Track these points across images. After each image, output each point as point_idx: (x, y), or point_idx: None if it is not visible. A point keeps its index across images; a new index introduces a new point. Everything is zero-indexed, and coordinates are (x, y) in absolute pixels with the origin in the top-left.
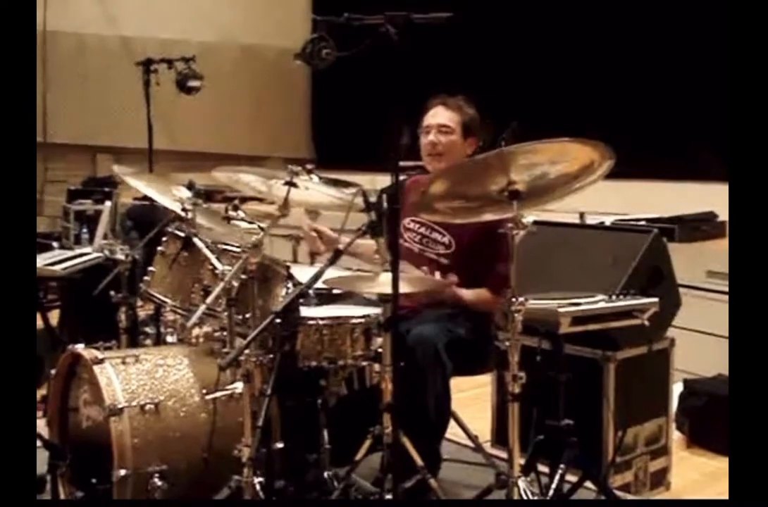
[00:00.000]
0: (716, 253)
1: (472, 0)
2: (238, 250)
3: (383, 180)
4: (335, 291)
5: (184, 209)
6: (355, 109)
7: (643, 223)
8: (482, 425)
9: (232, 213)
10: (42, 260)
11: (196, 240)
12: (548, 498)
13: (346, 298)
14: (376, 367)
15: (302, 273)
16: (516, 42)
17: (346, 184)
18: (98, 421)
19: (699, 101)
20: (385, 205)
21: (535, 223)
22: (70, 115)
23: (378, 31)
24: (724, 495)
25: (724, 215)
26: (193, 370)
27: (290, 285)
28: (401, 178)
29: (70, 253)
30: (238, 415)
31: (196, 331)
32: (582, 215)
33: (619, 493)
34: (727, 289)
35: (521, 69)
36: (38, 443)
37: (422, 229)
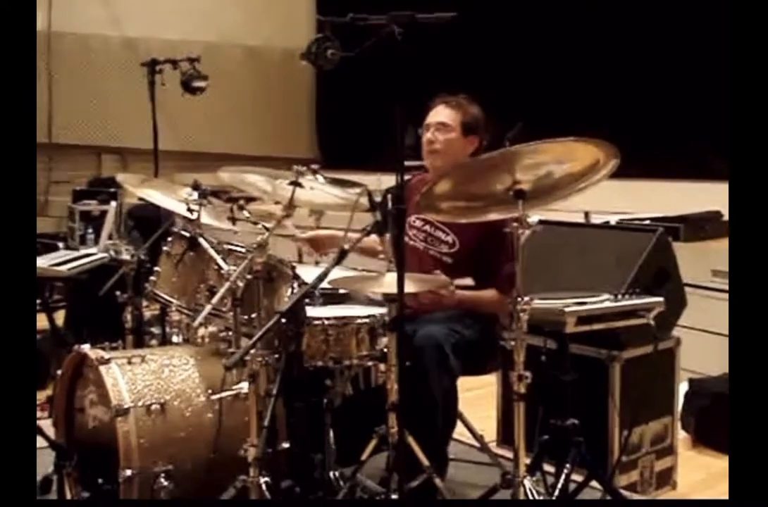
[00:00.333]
0: (721, 252)
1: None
2: (243, 250)
3: (388, 180)
4: (341, 291)
5: (189, 209)
6: (359, 109)
7: (648, 222)
8: (488, 425)
9: (237, 213)
10: (47, 260)
11: (201, 240)
12: (554, 497)
13: (352, 297)
14: (382, 367)
15: (308, 273)
16: (521, 41)
17: (351, 184)
18: (104, 421)
19: (704, 100)
20: (390, 205)
21: (540, 222)
22: (75, 116)
23: (382, 31)
24: None
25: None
26: (198, 370)
27: (296, 285)
28: (406, 177)
29: (75, 254)
30: (244, 415)
31: (201, 331)
32: (587, 214)
33: (624, 493)
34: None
35: (526, 68)
36: (45, 444)
37: (427, 227)
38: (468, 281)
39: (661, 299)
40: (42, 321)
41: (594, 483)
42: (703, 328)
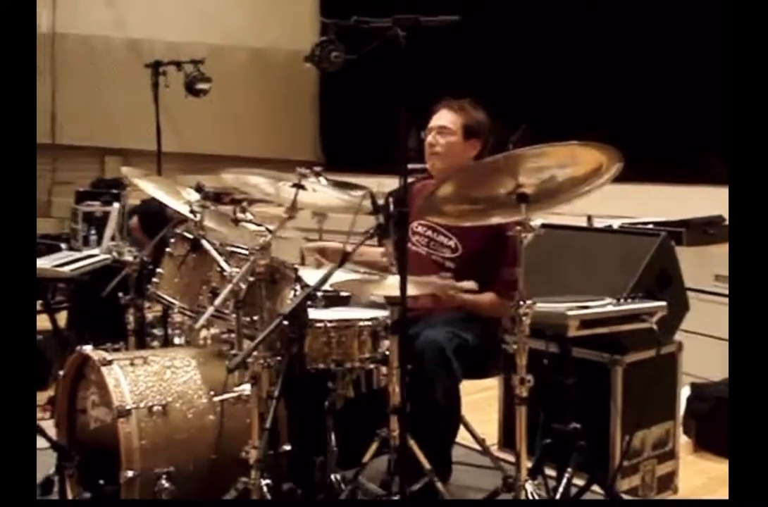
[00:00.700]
0: (724, 256)
1: (480, 3)
2: (246, 252)
3: (391, 183)
4: (343, 293)
5: (192, 211)
6: (363, 112)
7: (651, 226)
8: (489, 428)
9: (240, 215)
10: (50, 261)
11: (204, 242)
12: None
13: (354, 300)
14: (384, 369)
15: (310, 275)
16: (525, 45)
17: (354, 187)
18: (106, 422)
19: (707, 105)
20: (392, 207)
21: (543, 226)
22: (79, 117)
23: (386, 34)
24: None
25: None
26: (200, 372)
27: (298, 287)
28: (409, 180)
29: (78, 255)
30: (246, 417)
31: (203, 333)
32: (590, 218)
33: (626, 497)
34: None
35: (530, 72)
36: (46, 444)
37: (429, 232)
38: (471, 285)
39: (663, 303)
40: (44, 322)
41: (595, 487)
42: (706, 332)
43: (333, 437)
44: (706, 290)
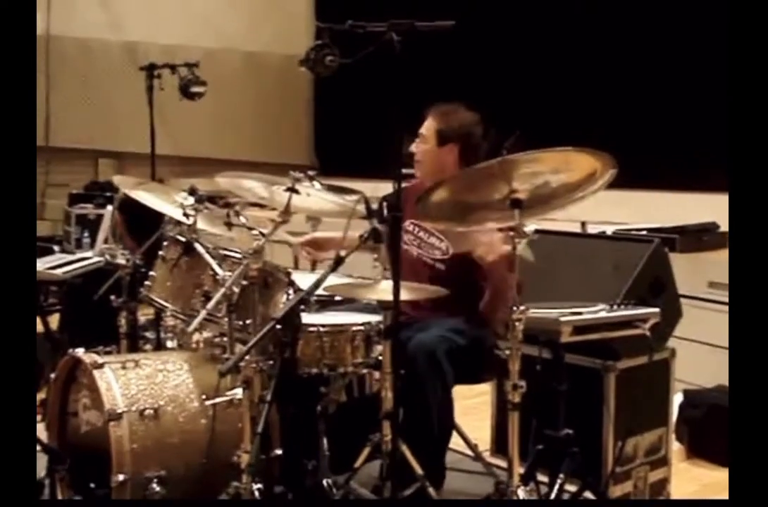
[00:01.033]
0: (718, 263)
1: (475, 8)
2: (239, 255)
3: (385, 187)
4: (336, 298)
5: (185, 214)
6: (357, 117)
7: (644, 233)
8: (482, 434)
9: (233, 219)
10: (43, 264)
11: (197, 245)
12: None
13: (347, 304)
14: (376, 374)
15: (303, 279)
16: (520, 51)
17: (348, 191)
18: (97, 425)
19: (701, 111)
20: (386, 212)
21: (537, 231)
22: (73, 120)
23: (381, 39)
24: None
25: (725, 226)
26: (193, 375)
27: (291, 291)
28: (404, 186)
29: (71, 257)
30: (238, 421)
31: (196, 337)
32: (583, 224)
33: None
34: (728, 299)
35: (525, 78)
36: (37, 447)
37: (421, 233)
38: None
39: (656, 310)
40: (36, 324)
41: (588, 493)
42: (699, 339)
43: (325, 442)
44: (699, 297)
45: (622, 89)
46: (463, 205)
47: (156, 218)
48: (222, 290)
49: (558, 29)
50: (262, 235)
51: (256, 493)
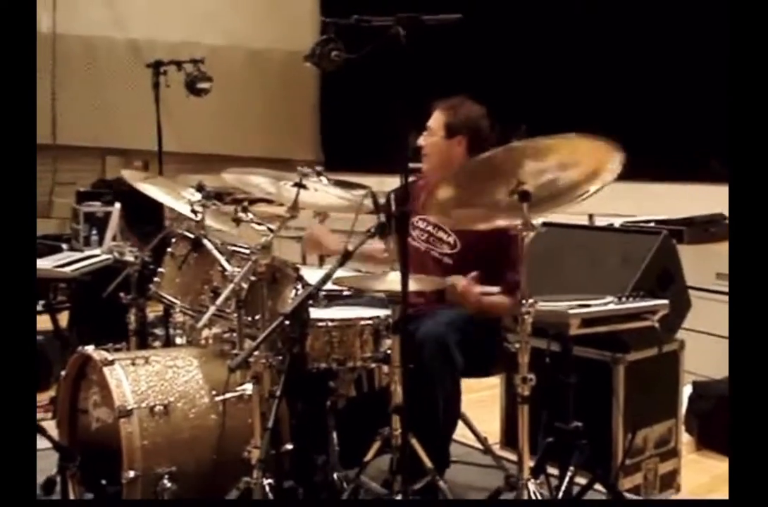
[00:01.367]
0: (725, 254)
1: (481, 2)
2: (247, 251)
3: (392, 182)
4: (344, 292)
5: (193, 211)
6: (363, 111)
7: (652, 224)
8: (491, 427)
9: (241, 214)
10: (51, 262)
11: (205, 241)
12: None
13: (355, 299)
14: (386, 368)
15: (311, 274)
16: (525, 45)
17: (355, 186)
18: (108, 422)
19: (708, 103)
20: (393, 206)
21: (544, 224)
22: (80, 118)
23: (387, 33)
24: None
25: None
26: (202, 371)
27: (299, 286)
28: (411, 179)
29: (79, 255)
30: (248, 417)
31: (205, 333)
32: (591, 217)
33: (628, 496)
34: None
35: (531, 72)
36: (48, 445)
37: (429, 228)
38: (495, 289)
39: (665, 302)
40: (46, 322)
41: (598, 486)
42: (707, 330)
43: (335, 436)
44: (707, 288)
45: (628, 82)
46: (472, 203)
47: (155, 210)
48: (230, 286)
49: (563, 23)
50: (270, 230)
51: (267, 489)
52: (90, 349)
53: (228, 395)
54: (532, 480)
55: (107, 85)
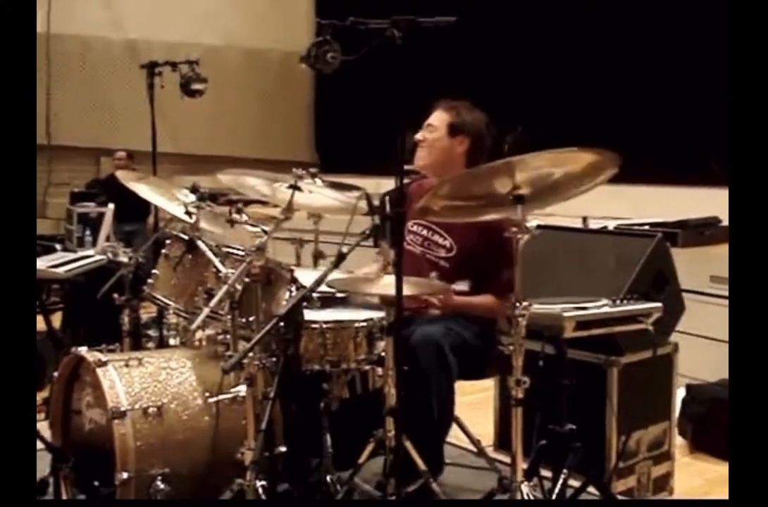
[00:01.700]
0: (720, 258)
1: (477, 4)
2: (241, 253)
3: (387, 184)
4: (338, 294)
5: (187, 212)
6: (358, 113)
7: (646, 227)
8: (485, 429)
9: (235, 216)
10: (45, 262)
11: (199, 243)
12: None
13: (349, 301)
14: (379, 370)
15: (306, 276)
16: (521, 46)
17: (350, 188)
18: (101, 423)
19: (703, 106)
20: (388, 208)
21: (539, 227)
22: (74, 118)
23: (383, 35)
24: None
25: (727, 220)
26: (196, 373)
27: (294, 288)
28: (405, 181)
29: (73, 256)
30: (241, 419)
31: (199, 334)
32: (585, 219)
33: (621, 498)
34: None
35: (526, 73)
36: (41, 446)
37: (424, 232)
38: (464, 286)
39: (659, 305)
40: (39, 322)
41: (591, 488)
42: (701, 333)
43: (328, 438)
44: (701, 291)
45: (624, 84)
46: (466, 197)
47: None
48: (225, 288)
49: (559, 26)
50: (265, 232)
51: (260, 490)
52: (83, 350)
53: (221, 397)
54: (526, 482)
55: (103, 86)
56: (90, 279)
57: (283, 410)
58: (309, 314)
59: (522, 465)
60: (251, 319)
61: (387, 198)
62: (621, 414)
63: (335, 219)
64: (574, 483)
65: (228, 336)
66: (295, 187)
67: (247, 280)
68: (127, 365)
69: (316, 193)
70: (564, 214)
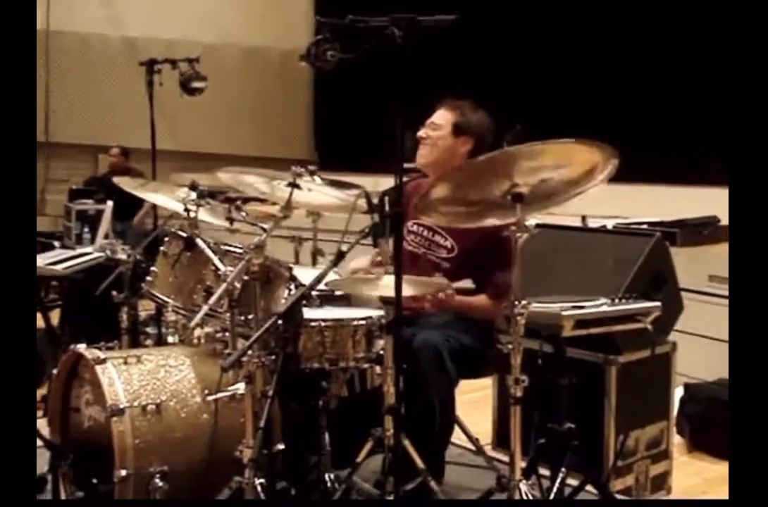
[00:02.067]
0: (718, 257)
1: (476, 3)
2: (240, 251)
3: (386, 182)
4: (337, 292)
5: (186, 209)
6: (357, 111)
7: (645, 226)
8: (483, 428)
9: (234, 214)
10: (43, 259)
11: (198, 240)
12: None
13: (348, 299)
14: (378, 369)
15: (304, 274)
16: (520, 45)
17: (349, 186)
18: (100, 421)
19: (703, 105)
20: (387, 206)
21: (538, 226)
22: (73, 115)
23: (382, 33)
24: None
25: (726, 219)
26: (195, 370)
27: (292, 286)
28: (404, 180)
29: (71, 253)
30: (240, 416)
31: (197, 332)
32: (584, 218)
33: (619, 497)
34: (728, 293)
35: (525, 72)
36: (39, 443)
37: (425, 232)
38: (468, 284)
39: (658, 304)
40: (37, 320)
41: (589, 487)
42: (700, 333)
43: (327, 437)
44: (700, 291)
45: (623, 83)
46: (465, 201)
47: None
48: (224, 285)
49: (559, 23)
50: (264, 230)
51: (259, 488)
52: (82, 347)
53: (220, 395)
54: (524, 481)
55: (102, 83)
56: (88, 276)
57: (282, 408)
58: (308, 312)
59: (520, 463)
60: (250, 316)
61: (386, 196)
62: (619, 413)
63: (334, 217)
64: (573, 482)
65: (227, 334)
66: (294, 185)
67: (245, 277)
68: (125, 363)
69: (315, 191)
70: (563, 213)
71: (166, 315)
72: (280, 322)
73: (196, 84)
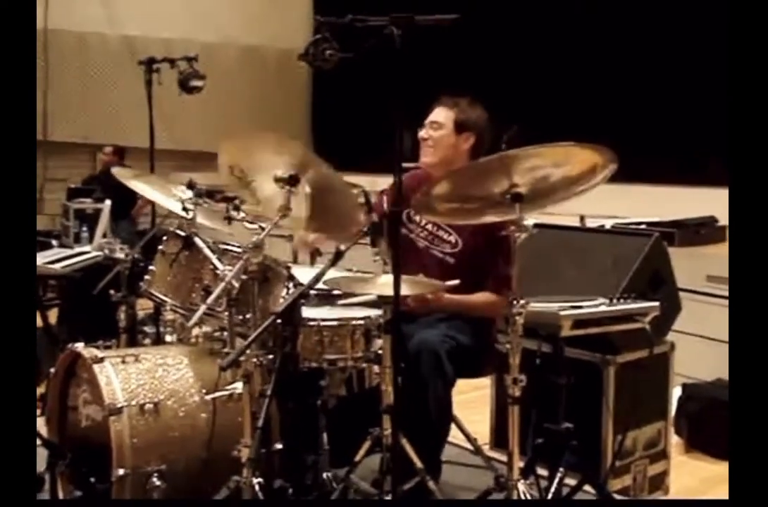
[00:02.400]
0: (716, 257)
1: (476, 2)
2: (239, 250)
3: (384, 181)
4: (336, 292)
5: (184, 208)
6: (356, 110)
7: (643, 226)
8: (481, 428)
9: (232, 213)
10: (41, 258)
11: (196, 239)
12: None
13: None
14: (376, 368)
15: (303, 273)
16: (519, 45)
17: (348, 185)
18: (97, 420)
19: (700, 106)
20: (386, 206)
21: (536, 226)
22: (71, 114)
23: (381, 33)
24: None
25: (724, 220)
26: (193, 369)
27: (291, 285)
28: (407, 174)
29: (69, 252)
30: (238, 416)
31: (195, 331)
32: (582, 218)
33: (617, 497)
34: (727, 293)
35: (524, 71)
36: (37, 442)
37: (429, 226)
38: (453, 282)
39: (656, 304)
40: (36, 319)
41: (587, 487)
42: (698, 333)
43: (325, 436)
44: (698, 291)
45: (622, 83)
46: (464, 199)
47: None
48: (222, 284)
49: (558, 23)
50: (262, 229)
51: (257, 487)
52: (80, 346)
53: (218, 394)
54: (522, 481)
55: (100, 82)
56: (86, 275)
57: (280, 407)
58: (306, 311)
59: (518, 463)
60: (248, 316)
61: (384, 195)
62: (617, 413)
63: None
64: (571, 481)
65: (225, 333)
66: (292, 184)
67: (244, 277)
68: (123, 362)
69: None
70: (561, 212)
71: (164, 314)
72: (278, 321)
73: (195, 82)
